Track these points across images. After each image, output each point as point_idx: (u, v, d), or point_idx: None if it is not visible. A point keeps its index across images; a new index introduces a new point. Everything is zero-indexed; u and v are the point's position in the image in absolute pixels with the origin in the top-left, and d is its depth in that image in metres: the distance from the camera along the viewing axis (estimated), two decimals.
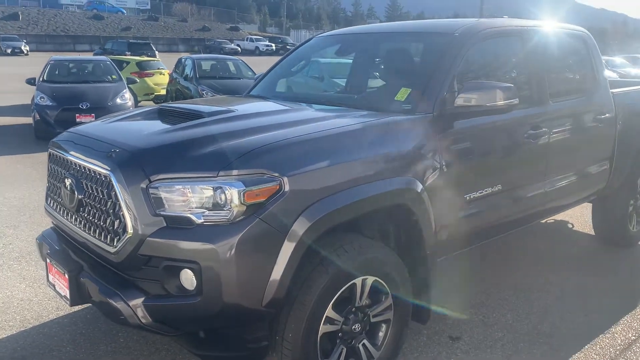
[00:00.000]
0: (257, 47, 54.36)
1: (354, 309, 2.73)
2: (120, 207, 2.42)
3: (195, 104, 3.61)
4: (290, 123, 2.82)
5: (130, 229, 2.39)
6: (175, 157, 2.45)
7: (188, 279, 2.37)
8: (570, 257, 4.89)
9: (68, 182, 2.76)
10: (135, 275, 2.47)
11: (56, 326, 3.59)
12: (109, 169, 2.47)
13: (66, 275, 2.69)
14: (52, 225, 3.26)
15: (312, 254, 2.49)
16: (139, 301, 2.40)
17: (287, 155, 2.47)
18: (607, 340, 3.18)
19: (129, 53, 26.78)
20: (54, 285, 2.88)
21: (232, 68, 14.43)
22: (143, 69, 16.48)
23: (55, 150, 3.01)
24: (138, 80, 14.18)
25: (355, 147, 2.69)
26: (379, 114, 3.03)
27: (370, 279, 2.74)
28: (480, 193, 3.30)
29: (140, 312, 2.40)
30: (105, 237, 2.53)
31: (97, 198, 2.57)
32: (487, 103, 3.06)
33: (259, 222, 2.32)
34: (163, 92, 15.86)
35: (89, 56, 17.89)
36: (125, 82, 11.54)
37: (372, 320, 2.84)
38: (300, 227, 2.37)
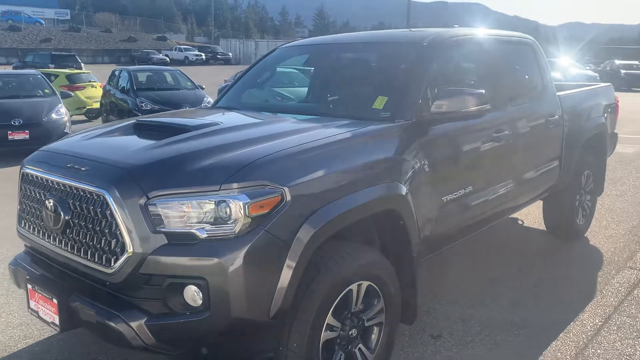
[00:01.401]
0: (186, 57, 53.35)
1: (350, 315, 2.78)
2: (117, 226, 2.35)
3: (173, 117, 3.55)
4: (280, 134, 2.85)
5: (129, 248, 2.33)
6: (173, 172, 2.42)
7: (193, 295, 2.33)
8: (527, 252, 5.17)
9: (50, 203, 2.64)
10: (134, 295, 2.40)
11: (27, 355, 3.41)
12: (103, 187, 2.40)
13: (54, 300, 2.58)
14: (26, 249, 3.10)
15: (312, 263, 2.52)
16: (141, 322, 2.34)
17: (285, 166, 2.50)
18: (577, 328, 3.40)
19: (53, 65, 25.61)
20: (37, 312, 2.74)
21: (169, 79, 14.16)
22: (73, 82, 15.85)
23: (31, 170, 2.87)
24: (73, 94, 13.56)
25: (348, 155, 2.76)
26: (362, 123, 3.11)
27: (364, 284, 2.80)
28: (455, 194, 3.45)
29: (143, 333, 2.34)
30: (100, 258, 2.45)
31: (89, 218, 2.48)
32: (461, 109, 3.21)
33: (264, 234, 2.32)
34: (96, 105, 15.32)
35: (16, 70, 16.98)
36: (59, 96, 11.05)
37: (366, 324, 2.90)
38: (304, 235, 2.40)
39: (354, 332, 2.81)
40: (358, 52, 4.03)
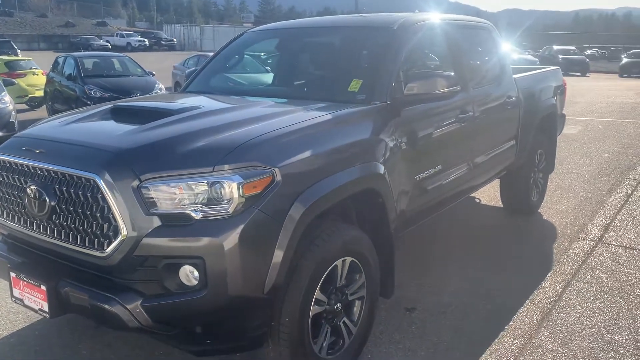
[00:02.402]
0: (128, 43, 51.74)
1: (334, 290, 2.89)
2: (109, 210, 2.36)
3: (151, 102, 3.53)
4: (263, 117, 2.90)
5: (123, 231, 2.34)
6: (164, 154, 2.44)
7: (188, 275, 2.38)
8: (486, 228, 5.44)
9: (32, 189, 2.60)
10: (128, 277, 2.42)
11: (2, 347, 3.35)
12: (93, 171, 2.39)
13: (42, 287, 2.55)
14: (2, 238, 3.03)
15: (301, 240, 2.60)
16: (137, 303, 2.37)
17: (274, 148, 2.56)
18: (541, 295, 3.63)
19: None
20: (22, 300, 2.70)
21: (117, 65, 13.73)
22: (13, 70, 15.17)
23: (7, 157, 2.81)
24: (16, 82, 12.96)
25: (332, 136, 2.85)
26: (339, 105, 3.20)
27: (348, 260, 2.91)
28: (426, 173, 3.60)
29: (139, 315, 2.37)
30: (91, 242, 2.44)
31: (77, 203, 2.46)
32: (433, 90, 3.35)
33: (258, 213, 2.39)
34: (39, 93, 14.72)
35: None
36: (2, 85, 10.55)
37: (349, 298, 3.02)
38: (295, 213, 2.48)
39: (338, 306, 2.92)
40: (330, 36, 4.10)
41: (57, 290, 2.53)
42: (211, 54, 16.84)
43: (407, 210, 3.45)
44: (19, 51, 28.33)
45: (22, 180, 2.71)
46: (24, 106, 15.13)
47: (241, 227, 2.34)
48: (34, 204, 2.60)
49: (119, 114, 3.07)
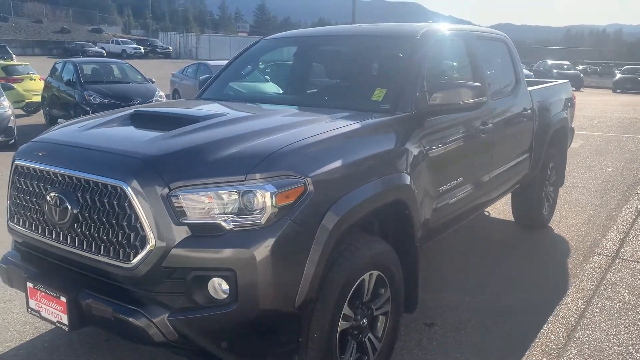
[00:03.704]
0: (124, 50, 51.48)
1: (361, 305, 2.80)
2: (137, 219, 2.26)
3: (172, 108, 3.44)
4: (290, 125, 2.83)
5: (152, 241, 2.25)
6: (195, 162, 2.35)
7: (217, 287, 2.29)
8: (498, 241, 5.38)
9: (53, 197, 2.50)
10: (154, 289, 2.32)
11: (12, 359, 3.23)
12: (120, 179, 2.30)
13: (62, 299, 2.45)
14: (15, 246, 2.93)
15: (331, 253, 2.51)
16: (163, 317, 2.27)
17: (305, 156, 2.48)
18: (563, 311, 3.56)
19: None
20: (39, 312, 2.59)
21: (116, 72, 13.64)
22: (10, 74, 15.01)
23: (25, 162, 2.71)
24: (15, 87, 12.81)
25: (361, 145, 2.77)
26: (364, 114, 3.13)
27: (375, 274, 2.83)
28: (449, 185, 3.54)
29: (165, 329, 2.28)
30: (116, 252, 2.35)
31: (102, 211, 2.36)
32: (458, 101, 3.29)
33: (291, 224, 2.30)
34: (36, 99, 14.56)
35: None
36: (1, 89, 10.42)
37: (375, 313, 2.93)
38: (328, 224, 2.40)
39: (364, 321, 2.83)
40: (350, 44, 4.04)
41: (77, 302, 2.43)
42: (211, 62, 16.77)
43: (431, 222, 3.38)
44: (14, 56, 28.19)
45: (41, 187, 2.60)
46: (21, 111, 14.95)
47: (274, 238, 2.26)
48: (54, 211, 2.50)
49: (140, 120, 2.98)
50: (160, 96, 12.44)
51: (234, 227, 2.27)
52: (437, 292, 4.14)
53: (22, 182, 2.72)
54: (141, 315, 2.27)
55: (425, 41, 3.62)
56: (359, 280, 2.70)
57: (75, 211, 2.44)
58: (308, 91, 3.97)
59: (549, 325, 3.39)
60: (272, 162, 2.35)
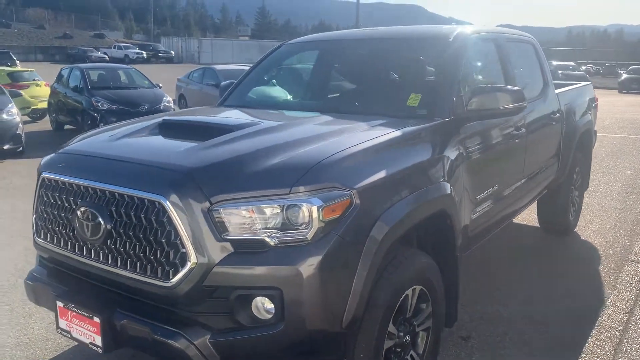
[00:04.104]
0: (126, 55, 51.55)
1: (404, 321, 2.67)
2: (177, 235, 2.14)
3: (202, 116, 3.32)
4: (327, 134, 2.70)
5: (192, 259, 2.12)
6: (236, 174, 2.22)
7: (260, 307, 2.16)
8: (525, 249, 5.23)
9: (84, 211, 2.37)
10: (194, 309, 2.19)
11: None
12: (158, 193, 2.17)
13: (95, 319, 2.32)
14: (41, 262, 2.80)
15: (379, 268, 2.38)
16: (205, 338, 2.15)
17: (350, 167, 2.35)
18: (606, 323, 3.43)
19: None
20: (69, 332, 2.46)
21: (123, 77, 13.55)
22: (16, 81, 14.92)
23: (53, 175, 2.58)
24: (23, 94, 12.72)
25: (404, 154, 2.65)
26: (400, 121, 2.99)
27: (417, 288, 2.70)
28: (486, 192, 3.42)
29: (207, 351, 2.15)
30: (154, 270, 2.22)
31: (138, 227, 2.24)
32: (497, 106, 3.16)
33: (338, 239, 2.18)
34: (42, 105, 14.48)
35: None
36: (9, 96, 10.32)
37: (416, 330, 2.80)
38: (375, 239, 2.27)
39: (407, 338, 2.70)
40: (379, 48, 3.90)
41: (112, 323, 2.30)
42: (217, 67, 16.62)
43: (470, 232, 3.25)
44: (18, 62, 28.16)
45: (70, 201, 2.48)
46: (27, 118, 14.84)
47: (322, 254, 2.13)
48: (86, 227, 2.37)
49: (170, 129, 2.84)
50: (168, 102, 12.33)
51: (278, 243, 2.14)
52: (470, 303, 4.00)
53: (49, 196, 2.59)
54: (181, 336, 2.14)
55: (458, 43, 3.49)
56: (403, 296, 2.57)
57: (109, 227, 2.31)
58: (337, 97, 3.84)
59: (593, 338, 3.26)
60: (316, 173, 2.22)
